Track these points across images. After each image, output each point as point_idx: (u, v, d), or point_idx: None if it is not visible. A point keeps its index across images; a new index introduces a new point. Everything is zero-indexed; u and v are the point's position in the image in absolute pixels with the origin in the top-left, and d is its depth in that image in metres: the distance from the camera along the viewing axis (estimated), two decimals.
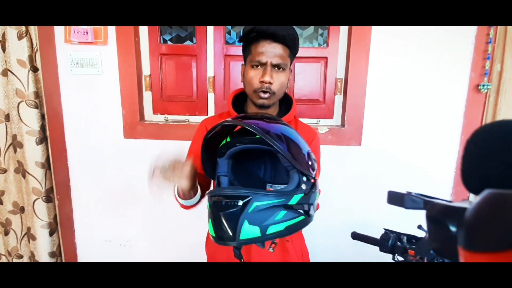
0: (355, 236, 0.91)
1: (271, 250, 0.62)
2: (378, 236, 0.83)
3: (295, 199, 0.56)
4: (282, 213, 0.54)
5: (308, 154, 0.61)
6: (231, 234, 0.51)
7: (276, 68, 0.80)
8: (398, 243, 0.78)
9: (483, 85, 1.31)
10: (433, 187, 1.40)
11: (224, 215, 0.52)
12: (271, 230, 0.53)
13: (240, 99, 0.92)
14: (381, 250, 0.80)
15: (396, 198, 0.33)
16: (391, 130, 1.41)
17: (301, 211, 0.57)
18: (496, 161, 0.28)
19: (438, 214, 0.28)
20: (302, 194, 0.57)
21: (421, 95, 1.37)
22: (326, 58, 1.43)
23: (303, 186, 0.58)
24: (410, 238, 0.78)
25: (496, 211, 0.21)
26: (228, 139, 0.63)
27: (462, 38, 1.31)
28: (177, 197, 0.76)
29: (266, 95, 0.81)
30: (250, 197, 0.51)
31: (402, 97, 1.38)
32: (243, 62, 0.87)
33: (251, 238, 0.52)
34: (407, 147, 1.42)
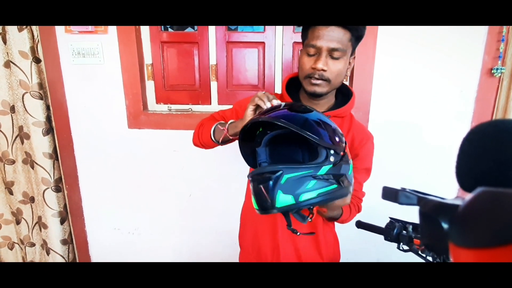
0: (360, 224, 0.90)
1: (310, 220, 0.69)
2: (383, 224, 0.82)
3: (323, 170, 0.61)
4: (312, 182, 0.60)
5: (334, 130, 0.65)
6: (269, 203, 0.60)
7: (333, 55, 0.74)
8: (404, 232, 0.77)
9: (497, 69, 1.25)
10: (442, 175, 1.37)
11: (262, 188, 0.61)
12: (304, 197, 0.60)
13: (296, 85, 0.88)
14: (385, 239, 0.80)
15: (390, 194, 0.33)
16: (398, 116, 1.37)
17: (332, 180, 0.63)
18: (490, 160, 0.29)
19: (431, 210, 0.29)
20: (331, 165, 0.62)
21: (430, 79, 1.32)
22: None
23: (331, 158, 0.63)
24: (416, 227, 0.77)
25: (488, 209, 0.22)
26: (261, 129, 0.72)
27: None
28: (213, 135, 0.83)
29: (319, 82, 0.76)
30: (281, 171, 0.60)
31: (411, 81, 1.33)
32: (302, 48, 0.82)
33: (287, 205, 0.60)
34: (415, 134, 1.38)
